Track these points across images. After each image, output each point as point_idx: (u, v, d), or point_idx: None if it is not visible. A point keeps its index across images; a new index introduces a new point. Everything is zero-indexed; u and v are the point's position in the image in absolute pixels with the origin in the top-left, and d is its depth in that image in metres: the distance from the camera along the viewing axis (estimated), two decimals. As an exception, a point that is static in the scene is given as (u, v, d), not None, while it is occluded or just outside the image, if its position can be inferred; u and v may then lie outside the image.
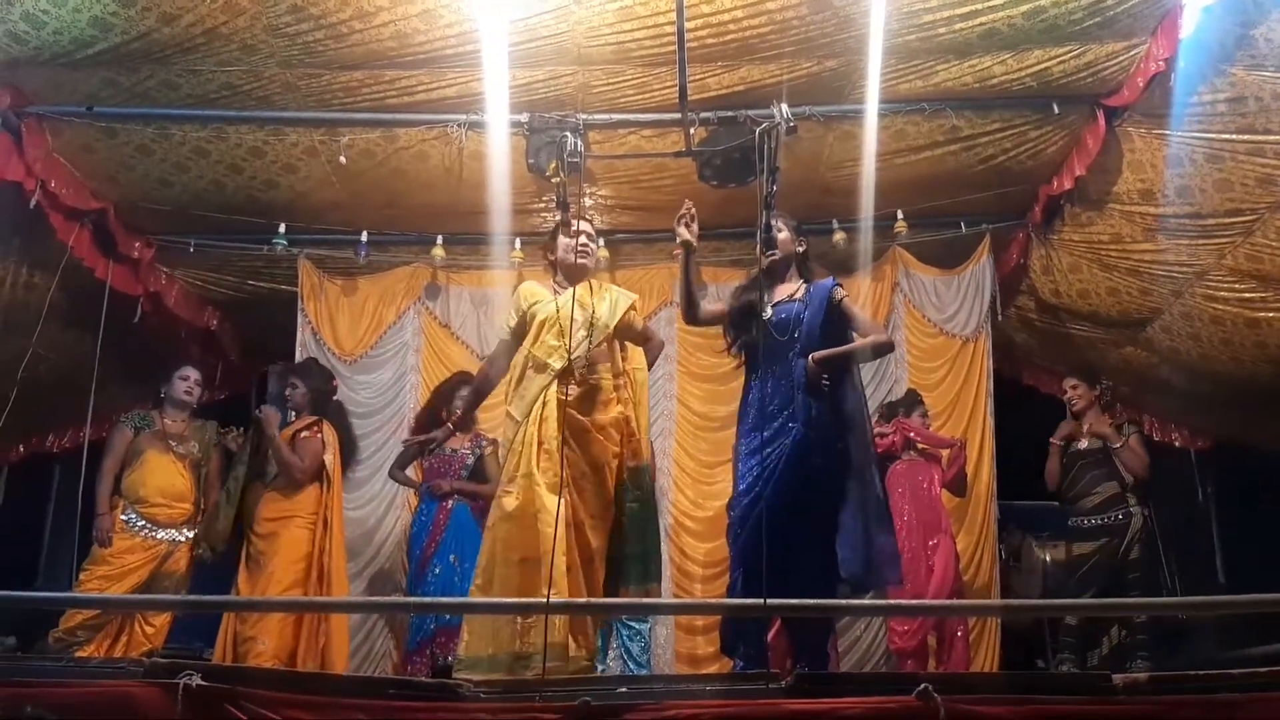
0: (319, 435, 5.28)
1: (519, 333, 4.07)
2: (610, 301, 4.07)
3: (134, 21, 4.37)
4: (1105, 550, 5.64)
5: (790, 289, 3.99)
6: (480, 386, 4.39)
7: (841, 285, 4.00)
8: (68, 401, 6.11)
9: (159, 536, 5.18)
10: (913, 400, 6.02)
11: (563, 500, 3.68)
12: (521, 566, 3.66)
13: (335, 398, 5.73)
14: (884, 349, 4.20)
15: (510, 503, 3.77)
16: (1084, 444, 5.89)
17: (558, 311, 3.96)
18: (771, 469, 3.67)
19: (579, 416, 3.84)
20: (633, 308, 4.16)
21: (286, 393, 5.45)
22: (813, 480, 3.66)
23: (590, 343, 3.93)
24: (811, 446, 3.67)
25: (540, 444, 3.79)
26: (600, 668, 4.87)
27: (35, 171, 5.05)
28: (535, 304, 4.05)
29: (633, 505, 3.98)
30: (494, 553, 3.76)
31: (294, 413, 5.40)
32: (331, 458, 5.26)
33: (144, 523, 5.17)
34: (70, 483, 6.34)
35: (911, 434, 5.88)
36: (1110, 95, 4.97)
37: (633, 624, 5.23)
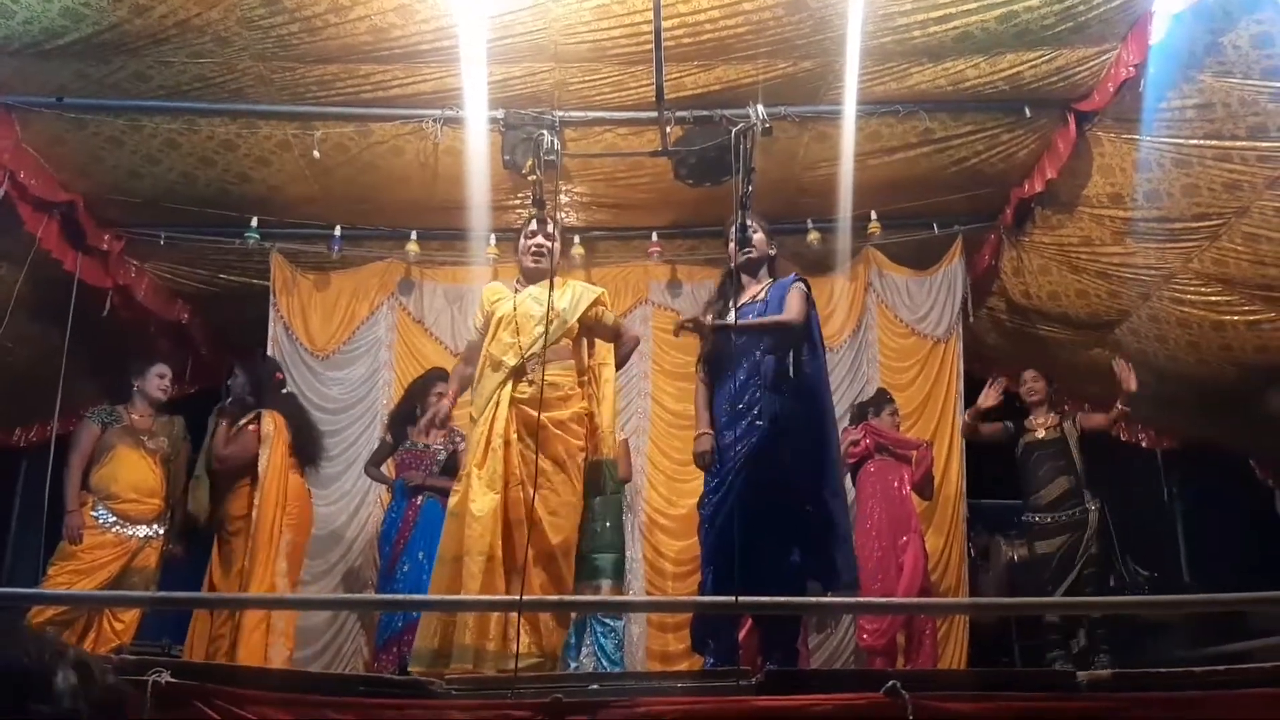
0: (252, 429, 5.24)
1: (485, 332, 4.09)
2: (572, 297, 4.06)
3: (105, 12, 4.33)
4: (1067, 546, 5.64)
5: (756, 289, 4.01)
6: (458, 387, 4.34)
7: (804, 281, 3.99)
8: (34, 395, 6.02)
9: (129, 533, 5.12)
10: (882, 399, 6.05)
11: (501, 497, 3.72)
12: (453, 564, 3.71)
13: (287, 390, 5.68)
14: (781, 327, 3.83)
15: (452, 501, 3.86)
16: (1041, 435, 5.88)
17: (514, 309, 3.98)
18: (739, 467, 3.69)
19: (532, 413, 3.81)
20: (599, 303, 4.13)
21: (228, 382, 5.40)
22: (781, 478, 3.69)
23: (546, 338, 3.89)
24: (778, 444, 3.69)
25: (488, 443, 3.81)
26: (573, 665, 4.88)
27: (3, 162, 4.98)
28: (495, 302, 4.10)
29: (592, 500, 4.00)
30: (439, 550, 3.85)
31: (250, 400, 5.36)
32: (266, 454, 5.17)
33: (115, 519, 5.10)
34: (37, 477, 6.24)
35: (880, 437, 5.90)
36: (1081, 100, 5.03)
37: (607, 620, 5.23)
